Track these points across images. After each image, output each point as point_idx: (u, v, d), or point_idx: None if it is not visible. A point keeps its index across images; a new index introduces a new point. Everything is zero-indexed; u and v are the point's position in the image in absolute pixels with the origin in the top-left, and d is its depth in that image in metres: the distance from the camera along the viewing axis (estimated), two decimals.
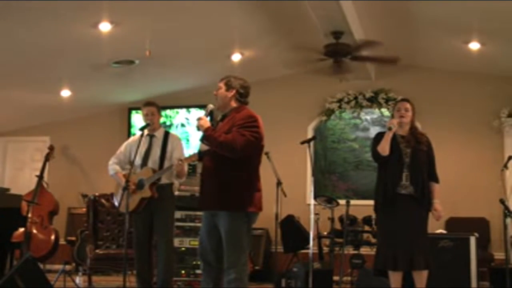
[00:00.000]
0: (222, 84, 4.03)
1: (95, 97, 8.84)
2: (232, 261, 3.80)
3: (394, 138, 4.64)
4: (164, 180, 5.13)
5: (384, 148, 4.59)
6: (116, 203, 5.26)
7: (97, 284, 6.51)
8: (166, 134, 5.34)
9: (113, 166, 5.29)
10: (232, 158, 3.82)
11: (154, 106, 5.30)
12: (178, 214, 6.59)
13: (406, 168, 4.57)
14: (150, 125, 5.20)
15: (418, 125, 5.06)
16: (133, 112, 9.19)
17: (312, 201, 5.30)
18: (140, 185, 5.05)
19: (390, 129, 4.58)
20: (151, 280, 5.23)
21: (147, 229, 5.12)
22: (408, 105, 4.73)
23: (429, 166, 4.65)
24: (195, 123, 3.96)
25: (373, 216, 6.82)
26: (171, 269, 5.22)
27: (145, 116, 5.26)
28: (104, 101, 9.09)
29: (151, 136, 5.27)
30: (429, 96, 7.98)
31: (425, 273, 4.50)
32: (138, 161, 5.13)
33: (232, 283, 3.78)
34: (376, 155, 4.66)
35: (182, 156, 5.15)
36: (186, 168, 5.10)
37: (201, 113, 8.78)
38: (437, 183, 4.67)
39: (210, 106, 4.04)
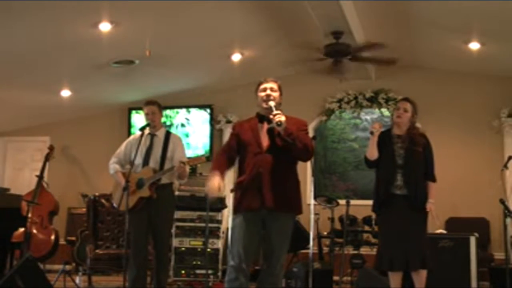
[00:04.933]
0: (277, 87, 3.91)
1: (95, 97, 8.84)
2: (282, 262, 3.79)
3: (390, 138, 4.63)
4: (164, 180, 5.07)
5: (371, 153, 4.61)
6: (114, 204, 5.23)
7: (97, 284, 6.51)
8: (168, 134, 5.26)
9: (113, 165, 5.23)
10: (292, 161, 3.85)
11: (155, 105, 5.23)
12: (178, 214, 6.60)
13: (399, 169, 4.54)
14: (151, 125, 5.16)
15: (419, 125, 5.01)
16: (133, 112, 9.19)
17: (312, 201, 5.31)
18: (139, 185, 5.00)
19: (371, 133, 4.58)
20: (145, 284, 5.13)
21: (145, 230, 5.00)
22: (407, 105, 4.68)
23: (426, 165, 4.59)
24: (277, 117, 3.64)
25: (373, 216, 6.84)
26: (167, 271, 5.16)
27: (146, 115, 5.21)
28: (104, 101, 9.09)
29: (152, 136, 5.20)
30: (429, 96, 7.97)
31: (423, 273, 4.48)
32: (138, 160, 5.07)
33: (279, 284, 3.80)
34: (365, 160, 4.71)
35: (183, 156, 5.11)
36: (187, 169, 5.04)
37: (202, 113, 8.92)
38: (434, 182, 4.61)
39: (273, 103, 3.80)
